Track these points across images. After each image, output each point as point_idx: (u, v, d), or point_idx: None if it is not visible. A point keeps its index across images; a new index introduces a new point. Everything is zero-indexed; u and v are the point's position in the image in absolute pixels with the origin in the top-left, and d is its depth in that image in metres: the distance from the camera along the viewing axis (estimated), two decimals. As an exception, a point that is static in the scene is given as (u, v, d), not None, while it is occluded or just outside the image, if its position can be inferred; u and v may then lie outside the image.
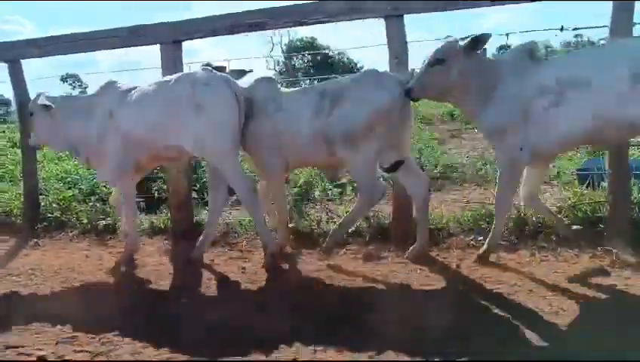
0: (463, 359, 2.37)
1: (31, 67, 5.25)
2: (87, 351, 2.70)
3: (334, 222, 4.49)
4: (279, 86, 4.02)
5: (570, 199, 4.21)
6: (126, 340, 2.79)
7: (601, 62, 3.16)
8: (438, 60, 3.44)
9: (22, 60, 5.22)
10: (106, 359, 2.62)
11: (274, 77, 4.20)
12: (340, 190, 4.87)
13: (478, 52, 3.46)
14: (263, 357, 2.53)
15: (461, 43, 3.42)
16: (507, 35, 4.50)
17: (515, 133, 3.35)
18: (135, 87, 3.95)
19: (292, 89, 4.17)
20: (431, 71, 3.46)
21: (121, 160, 3.93)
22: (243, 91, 3.77)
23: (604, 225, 3.86)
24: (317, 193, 5.23)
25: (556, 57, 3.48)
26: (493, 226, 3.65)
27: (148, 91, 3.84)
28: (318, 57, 34.40)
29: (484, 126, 3.54)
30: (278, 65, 36.77)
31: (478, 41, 3.38)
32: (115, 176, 4.02)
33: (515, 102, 3.33)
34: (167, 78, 3.88)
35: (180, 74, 3.90)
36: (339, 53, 34.73)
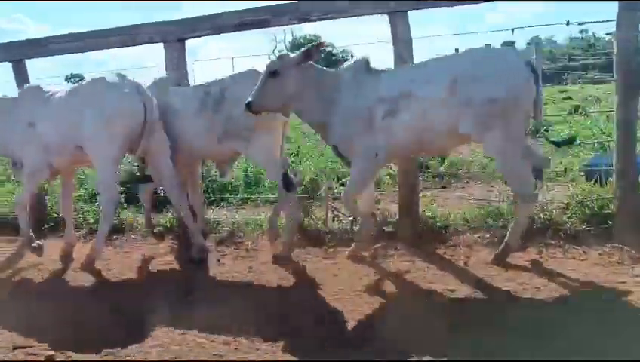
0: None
1: (36, 67, 5.24)
2: (95, 351, 2.70)
3: (340, 221, 4.48)
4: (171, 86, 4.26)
5: (577, 196, 4.18)
6: (135, 340, 2.80)
7: (427, 76, 3.40)
8: (272, 73, 3.55)
9: (26, 60, 5.22)
10: (114, 359, 2.62)
11: (167, 78, 4.32)
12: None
13: (313, 64, 3.60)
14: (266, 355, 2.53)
15: (292, 55, 3.56)
16: (512, 30, 4.48)
17: (364, 140, 3.49)
18: (56, 92, 4.07)
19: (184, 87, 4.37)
20: (267, 84, 3.56)
21: (37, 163, 4.02)
22: (151, 97, 3.90)
23: (612, 222, 3.84)
24: (322, 191, 5.21)
25: (391, 70, 3.70)
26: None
27: (63, 96, 3.98)
28: (322, 55, 34.37)
29: (334, 136, 3.63)
30: (282, 62, 36.70)
31: (309, 54, 3.52)
32: (31, 178, 4.10)
33: (359, 112, 3.49)
34: (81, 83, 4.07)
35: (90, 79, 4.09)
36: (343, 51, 34.69)
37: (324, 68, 3.70)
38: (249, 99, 3.53)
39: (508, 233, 3.59)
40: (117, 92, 3.79)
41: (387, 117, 3.42)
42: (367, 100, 3.47)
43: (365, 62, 3.60)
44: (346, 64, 3.73)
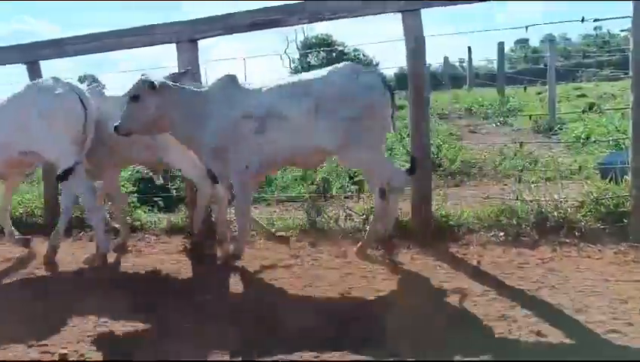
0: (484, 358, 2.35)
1: (51, 68, 5.27)
2: (108, 350, 2.72)
3: (352, 220, 4.48)
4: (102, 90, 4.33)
5: (592, 194, 4.13)
6: (147, 338, 2.82)
7: (292, 94, 3.54)
8: (132, 98, 3.66)
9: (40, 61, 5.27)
10: (126, 358, 2.64)
11: (96, 85, 4.38)
12: (357, 187, 4.85)
13: (177, 85, 3.73)
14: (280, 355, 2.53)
15: (150, 80, 3.61)
16: (526, 27, 4.45)
17: (234, 154, 3.65)
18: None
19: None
20: (129, 108, 3.67)
21: None
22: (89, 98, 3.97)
23: (627, 220, 3.79)
24: (334, 190, 5.22)
25: (258, 87, 3.74)
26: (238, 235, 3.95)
27: (4, 101, 4.05)
28: (334, 54, 34.33)
29: (205, 151, 3.74)
30: (294, 62, 36.80)
31: (152, 82, 3.61)
32: None
33: (228, 128, 3.63)
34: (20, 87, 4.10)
35: (28, 83, 4.18)
36: (355, 50, 34.62)
37: (190, 87, 3.82)
38: (116, 123, 3.66)
39: (369, 226, 3.81)
40: (49, 94, 3.87)
41: (255, 133, 3.59)
42: (235, 117, 3.62)
43: (232, 78, 3.76)
44: (212, 81, 3.87)
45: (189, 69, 4.20)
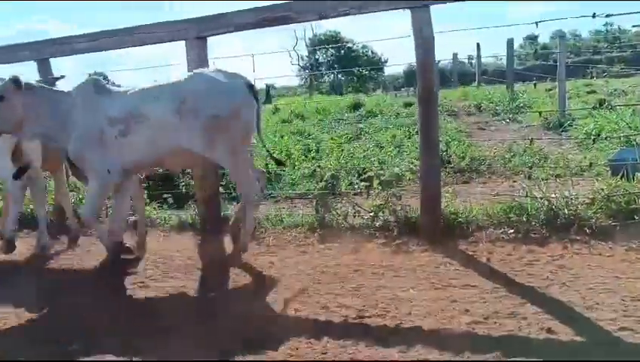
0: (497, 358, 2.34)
1: (61, 66, 5.32)
2: (115, 348, 2.74)
3: (361, 216, 4.48)
4: None
5: (603, 190, 4.10)
6: (156, 335, 2.83)
7: (156, 98, 3.64)
8: None
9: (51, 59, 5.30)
10: (130, 359, 2.65)
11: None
12: (366, 183, 4.84)
13: (43, 86, 3.81)
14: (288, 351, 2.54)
15: (16, 79, 3.64)
16: (537, 23, 4.41)
17: (97, 158, 3.71)
18: None
19: None
20: None
21: None
22: None
23: (639, 217, 3.76)
24: (344, 187, 5.21)
25: (122, 90, 3.84)
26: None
27: None
28: (342, 51, 34.27)
29: (71, 153, 3.79)
30: (302, 60, 36.77)
31: (18, 81, 3.64)
32: None
33: (91, 131, 3.70)
34: None
35: None
36: (363, 47, 34.55)
37: (55, 88, 3.92)
38: None
39: (241, 234, 3.96)
40: None
41: (119, 136, 3.66)
42: (98, 120, 3.69)
43: (95, 81, 3.84)
44: (77, 84, 3.91)
45: (64, 76, 4.40)
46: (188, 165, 4.43)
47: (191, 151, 3.68)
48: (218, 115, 3.54)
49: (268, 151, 4.42)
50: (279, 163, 4.46)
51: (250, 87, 3.71)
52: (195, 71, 3.80)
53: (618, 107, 8.26)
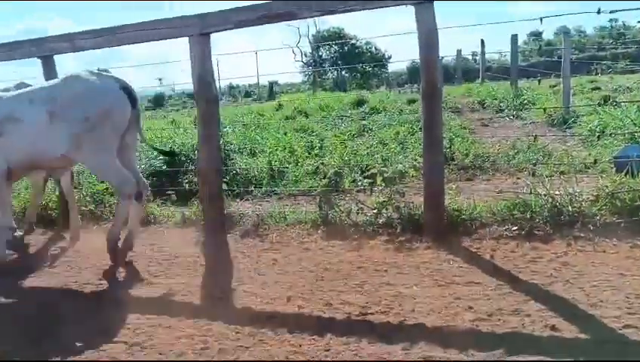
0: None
1: (63, 63, 5.31)
2: (122, 342, 2.75)
3: (364, 213, 4.47)
4: None
5: (607, 187, 4.09)
6: (160, 331, 2.84)
7: (30, 101, 3.77)
8: None
9: (55, 56, 5.30)
10: (140, 349, 2.67)
11: None
12: (370, 180, 4.83)
13: None
14: (291, 348, 2.54)
15: None
16: (541, 19, 4.40)
17: None
18: None
19: None
20: None
21: None
22: None
23: (644, 214, 3.75)
24: (347, 184, 5.21)
25: (1, 95, 3.98)
26: None
27: None
28: (346, 47, 34.24)
29: None
30: (305, 56, 36.76)
31: None
32: None
33: None
34: None
35: None
36: (367, 43, 34.52)
37: None
38: None
39: (127, 232, 4.05)
40: None
41: None
42: None
43: None
44: None
45: None
46: (68, 166, 4.47)
47: (63, 153, 3.77)
48: (87, 116, 3.66)
49: (152, 146, 4.66)
50: (169, 153, 4.76)
51: (125, 89, 3.81)
52: (69, 74, 3.90)
53: (623, 104, 8.23)
